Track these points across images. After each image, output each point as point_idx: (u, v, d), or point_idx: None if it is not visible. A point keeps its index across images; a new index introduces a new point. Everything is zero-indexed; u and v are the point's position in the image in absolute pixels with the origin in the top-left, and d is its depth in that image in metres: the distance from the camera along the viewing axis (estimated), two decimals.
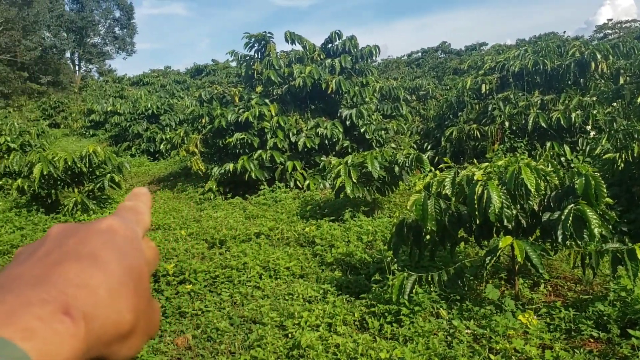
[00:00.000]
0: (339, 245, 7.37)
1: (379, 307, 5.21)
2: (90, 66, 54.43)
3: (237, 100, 13.61)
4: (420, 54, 47.68)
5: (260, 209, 10.33)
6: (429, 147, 15.00)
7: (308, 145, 12.49)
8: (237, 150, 12.64)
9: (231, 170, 12.14)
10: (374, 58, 14.57)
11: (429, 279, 5.16)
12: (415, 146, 15.28)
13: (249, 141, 12.52)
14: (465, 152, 13.34)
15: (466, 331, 4.70)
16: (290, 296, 5.99)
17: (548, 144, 11.68)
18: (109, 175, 10.81)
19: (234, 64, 25.06)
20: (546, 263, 6.39)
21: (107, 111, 23.41)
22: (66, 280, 0.43)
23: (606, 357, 4.26)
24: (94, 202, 10.69)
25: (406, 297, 4.97)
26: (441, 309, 5.08)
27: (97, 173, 11.06)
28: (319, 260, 7.18)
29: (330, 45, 14.45)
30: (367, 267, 6.63)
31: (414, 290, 5.05)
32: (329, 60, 13.61)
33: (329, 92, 13.01)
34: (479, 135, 12.80)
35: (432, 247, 5.84)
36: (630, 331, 4.33)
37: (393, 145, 14.37)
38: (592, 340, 4.58)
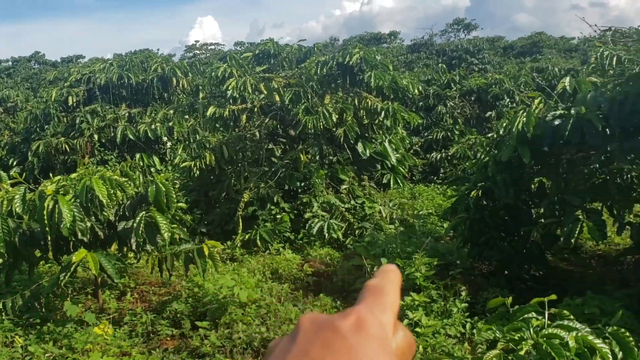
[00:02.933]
0: None
1: None
2: None
3: None
4: (10, 63, 43.69)
5: None
6: (15, 163, 13.81)
7: None
8: None
9: None
10: None
11: (2, 307, 4.73)
12: None
13: None
14: (55, 167, 12.69)
15: (46, 355, 4.48)
16: None
17: (138, 156, 12.15)
18: None
19: None
20: (133, 271, 6.63)
21: None
22: None
23: (180, 352, 4.68)
24: None
25: None
26: (17, 336, 4.71)
27: None
28: None
29: None
30: None
31: None
32: None
33: None
34: (68, 149, 12.38)
35: (8, 271, 5.36)
36: (198, 323, 4.87)
37: None
38: (169, 339, 4.97)
